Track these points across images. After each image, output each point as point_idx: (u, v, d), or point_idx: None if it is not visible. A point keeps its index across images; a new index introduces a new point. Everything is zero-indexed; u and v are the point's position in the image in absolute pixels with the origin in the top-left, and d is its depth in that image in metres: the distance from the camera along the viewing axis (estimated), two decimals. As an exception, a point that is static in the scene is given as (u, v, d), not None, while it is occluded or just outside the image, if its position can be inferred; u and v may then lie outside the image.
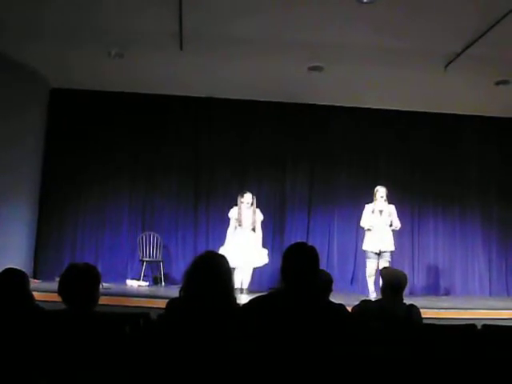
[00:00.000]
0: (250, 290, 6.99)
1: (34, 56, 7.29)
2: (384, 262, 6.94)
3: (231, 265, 7.10)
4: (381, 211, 7.11)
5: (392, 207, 7.22)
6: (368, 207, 7.24)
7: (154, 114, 8.78)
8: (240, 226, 7.27)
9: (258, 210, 7.42)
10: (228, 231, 7.43)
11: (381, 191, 7.18)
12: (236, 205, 7.41)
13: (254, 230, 7.35)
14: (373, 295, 6.79)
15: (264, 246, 7.52)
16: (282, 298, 2.47)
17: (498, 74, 7.45)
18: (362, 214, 7.30)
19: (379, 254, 7.03)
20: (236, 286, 6.83)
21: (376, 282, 6.78)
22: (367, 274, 7.13)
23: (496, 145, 9.33)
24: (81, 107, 8.60)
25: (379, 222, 7.09)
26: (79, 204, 8.56)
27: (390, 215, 7.14)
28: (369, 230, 7.16)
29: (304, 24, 6.14)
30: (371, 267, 7.02)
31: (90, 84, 8.32)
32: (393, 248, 7.11)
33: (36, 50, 7.07)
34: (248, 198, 7.31)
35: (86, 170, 8.57)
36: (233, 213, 7.40)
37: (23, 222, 7.90)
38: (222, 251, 7.12)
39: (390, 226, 7.12)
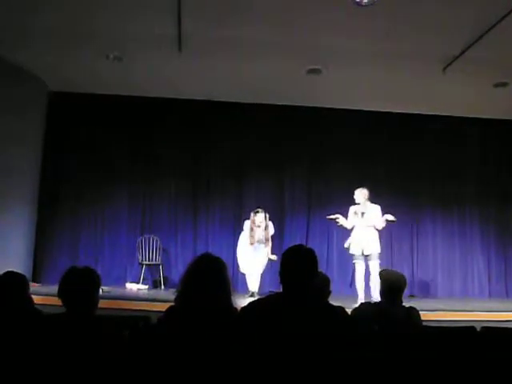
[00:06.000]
0: (259, 294, 7.05)
1: (33, 59, 7.30)
2: (372, 264, 6.90)
3: (243, 272, 7.12)
4: (362, 213, 7.04)
5: (376, 208, 7.08)
6: (350, 209, 7.18)
7: (152, 117, 8.79)
8: (252, 245, 7.37)
9: (270, 224, 7.49)
10: (241, 236, 7.55)
11: (356, 193, 7.15)
12: (249, 218, 7.47)
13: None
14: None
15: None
16: (280, 300, 2.47)
17: (496, 77, 7.47)
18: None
19: (366, 257, 6.99)
20: (250, 289, 7.24)
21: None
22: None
23: (495, 147, 9.36)
24: (79, 110, 8.59)
25: (360, 223, 7.04)
26: (78, 207, 8.55)
27: (371, 216, 7.02)
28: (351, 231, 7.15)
29: (302, 27, 6.15)
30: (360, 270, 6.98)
31: (89, 87, 8.32)
32: (376, 250, 6.99)
33: (34, 53, 7.07)
34: (260, 217, 7.37)
35: (85, 173, 8.57)
36: (246, 226, 7.48)
37: (22, 225, 7.88)
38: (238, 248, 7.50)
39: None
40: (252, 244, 7.36)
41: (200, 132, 8.91)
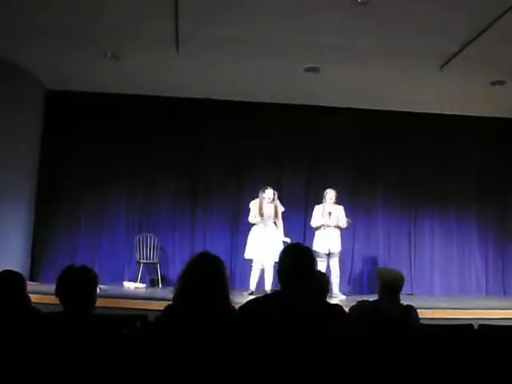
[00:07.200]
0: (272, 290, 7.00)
1: (30, 58, 7.28)
2: (335, 262, 7.46)
3: (249, 257, 7.21)
4: (329, 213, 7.48)
5: (340, 208, 7.57)
6: (318, 208, 7.60)
7: (150, 116, 8.77)
8: (262, 217, 7.29)
9: (278, 203, 7.51)
10: (249, 219, 7.48)
11: (330, 194, 7.56)
12: (257, 197, 7.46)
13: (275, 222, 7.45)
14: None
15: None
16: (278, 299, 2.48)
17: (493, 75, 7.47)
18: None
19: (329, 255, 7.42)
20: (250, 288, 7.19)
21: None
22: None
23: (492, 145, 9.36)
24: (77, 109, 8.58)
25: (328, 223, 7.46)
26: (76, 206, 8.54)
27: (337, 216, 7.51)
28: (318, 229, 7.53)
29: (300, 25, 6.14)
30: (322, 267, 7.17)
31: (86, 86, 8.30)
32: (340, 248, 7.54)
33: (32, 51, 7.06)
34: (269, 193, 7.38)
35: (82, 172, 8.55)
36: (252, 204, 7.47)
37: (20, 223, 7.88)
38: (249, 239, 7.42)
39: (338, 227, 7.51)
40: (262, 216, 7.27)
41: (198, 131, 8.88)
